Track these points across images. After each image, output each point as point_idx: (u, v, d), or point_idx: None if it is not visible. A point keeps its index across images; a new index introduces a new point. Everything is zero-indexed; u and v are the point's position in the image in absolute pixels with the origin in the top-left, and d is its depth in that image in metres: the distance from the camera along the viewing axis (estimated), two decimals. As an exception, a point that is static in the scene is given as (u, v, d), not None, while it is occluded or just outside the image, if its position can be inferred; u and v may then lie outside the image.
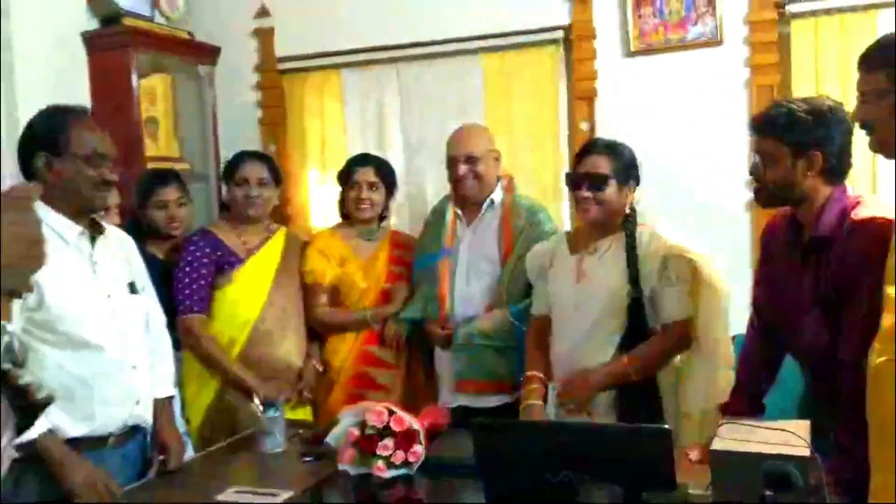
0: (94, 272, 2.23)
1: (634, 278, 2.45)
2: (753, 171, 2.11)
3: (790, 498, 1.54)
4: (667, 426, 1.68)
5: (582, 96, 3.45)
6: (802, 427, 1.71)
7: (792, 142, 1.99)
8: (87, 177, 2.18)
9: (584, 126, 3.44)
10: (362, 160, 3.20)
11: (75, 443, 2.14)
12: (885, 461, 1.76)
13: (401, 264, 3.17)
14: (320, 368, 3.07)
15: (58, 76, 3.34)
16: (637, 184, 2.55)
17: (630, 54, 3.39)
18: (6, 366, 1.08)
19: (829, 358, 2.00)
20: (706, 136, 3.32)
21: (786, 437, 1.62)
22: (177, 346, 2.73)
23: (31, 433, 2.00)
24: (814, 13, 3.16)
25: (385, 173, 3.18)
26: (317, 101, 3.80)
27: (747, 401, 2.28)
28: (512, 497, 1.82)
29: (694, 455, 2.08)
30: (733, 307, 3.22)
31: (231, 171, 3.01)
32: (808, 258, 2.06)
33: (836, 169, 2.02)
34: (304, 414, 3.01)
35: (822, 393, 2.09)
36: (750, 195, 3.26)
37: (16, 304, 2.09)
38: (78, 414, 2.17)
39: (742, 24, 3.27)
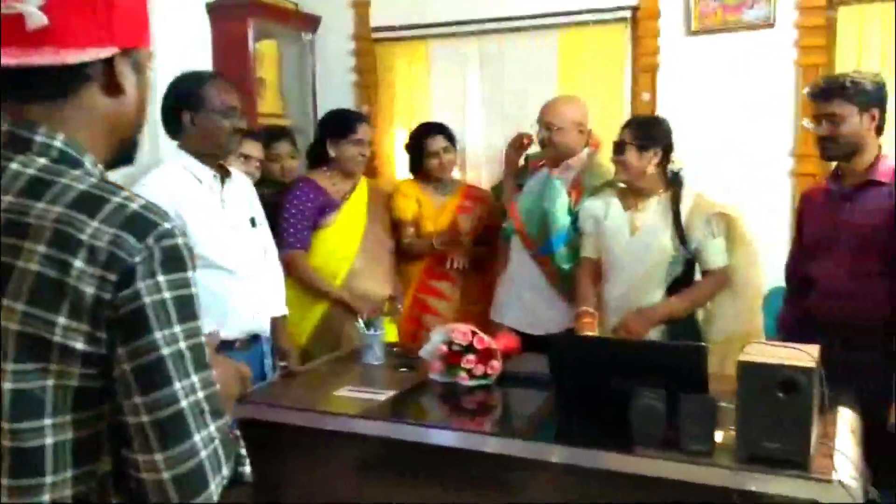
0: (223, 208, 2.73)
1: (681, 236, 2.89)
2: (824, 132, 2.59)
3: (798, 399, 1.96)
4: (703, 344, 2.10)
5: (644, 70, 3.83)
6: (813, 349, 2.13)
7: (859, 102, 2.53)
8: (222, 126, 2.69)
9: (645, 97, 3.82)
10: (429, 130, 3.63)
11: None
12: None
13: (469, 214, 3.67)
14: (401, 308, 3.56)
15: (187, 42, 3.80)
16: (663, 151, 2.93)
17: (691, 33, 3.75)
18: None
19: None
20: (756, 110, 3.68)
21: (798, 354, 2.04)
22: None
23: None
24: (859, 0, 3.49)
25: (450, 135, 3.65)
26: (406, 69, 4.23)
27: None
28: (578, 399, 2.27)
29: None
30: (771, 261, 3.60)
31: (346, 130, 3.35)
32: (850, 198, 2.61)
33: (882, 124, 2.59)
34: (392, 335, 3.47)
35: None
36: (791, 164, 3.65)
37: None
38: (213, 321, 2.69)
39: (793, 8, 3.61)
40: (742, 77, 3.70)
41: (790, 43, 3.63)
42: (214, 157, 2.72)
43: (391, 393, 2.58)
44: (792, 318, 2.85)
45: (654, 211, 2.97)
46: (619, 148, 2.95)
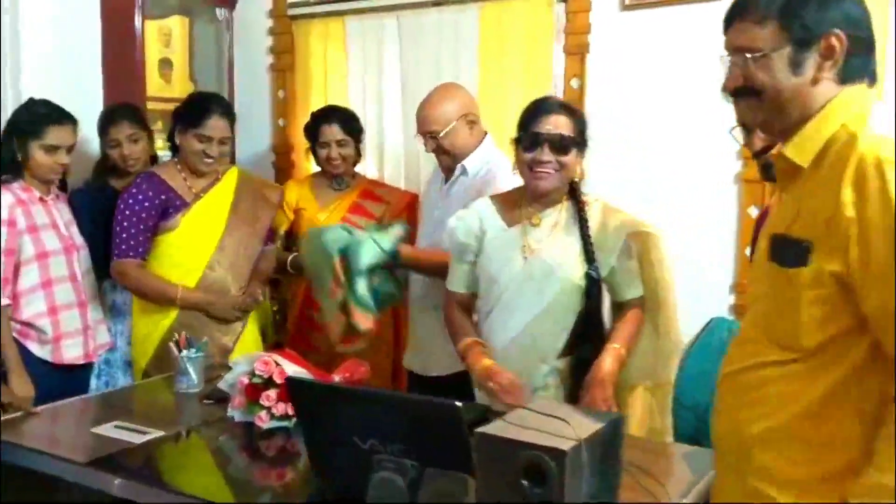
0: None
1: (591, 256, 2.26)
2: None
3: (544, 491, 1.43)
4: (457, 402, 1.57)
5: (574, 52, 3.22)
6: (604, 416, 1.58)
7: None
8: None
9: (574, 84, 3.22)
10: (327, 117, 3.21)
11: None
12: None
13: (364, 214, 3.20)
14: (260, 300, 3.02)
15: (68, 10, 3.41)
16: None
17: (626, 7, 3.12)
18: None
19: None
20: (703, 100, 3.02)
21: (562, 427, 1.49)
22: None
23: None
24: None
25: (351, 127, 3.21)
26: (321, 48, 3.75)
27: None
28: (327, 458, 1.79)
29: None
30: (715, 287, 3.03)
31: (192, 120, 2.84)
32: None
33: None
34: None
35: None
36: (738, 167, 3.01)
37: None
38: None
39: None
40: (688, 61, 3.03)
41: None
42: None
43: (160, 434, 2.15)
44: None
45: (554, 226, 2.31)
46: (560, 144, 2.23)
